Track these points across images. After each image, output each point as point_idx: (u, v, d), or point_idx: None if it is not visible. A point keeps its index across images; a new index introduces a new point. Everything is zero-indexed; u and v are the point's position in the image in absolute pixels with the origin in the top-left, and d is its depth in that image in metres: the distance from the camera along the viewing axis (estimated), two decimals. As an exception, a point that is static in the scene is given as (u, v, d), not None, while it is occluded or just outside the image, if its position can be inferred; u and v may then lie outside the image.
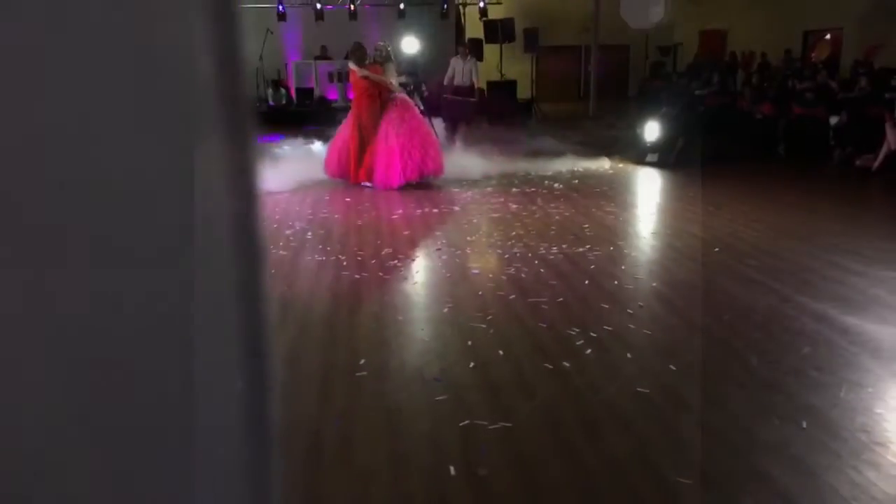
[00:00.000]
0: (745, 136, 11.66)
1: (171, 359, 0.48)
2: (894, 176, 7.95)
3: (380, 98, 7.97)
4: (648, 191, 8.10)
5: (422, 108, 11.13)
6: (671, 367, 3.24)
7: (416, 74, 11.69)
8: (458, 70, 11.61)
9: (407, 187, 7.76)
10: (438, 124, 10.34)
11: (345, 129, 8.20)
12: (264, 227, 0.51)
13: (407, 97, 8.25)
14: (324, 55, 17.52)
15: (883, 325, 3.70)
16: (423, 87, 11.80)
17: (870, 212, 6.66)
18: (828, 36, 14.76)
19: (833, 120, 9.92)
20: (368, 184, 7.93)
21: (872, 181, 8.18)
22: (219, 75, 0.46)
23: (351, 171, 8.06)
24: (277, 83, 16.72)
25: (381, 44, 8.17)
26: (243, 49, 0.49)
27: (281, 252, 5.39)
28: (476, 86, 12.15)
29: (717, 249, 5.27)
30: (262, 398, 0.56)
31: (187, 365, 0.48)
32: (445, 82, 11.51)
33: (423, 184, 7.95)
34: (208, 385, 0.50)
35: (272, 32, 16.84)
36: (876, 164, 8.42)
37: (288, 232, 6.05)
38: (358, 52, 8.20)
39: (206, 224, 0.48)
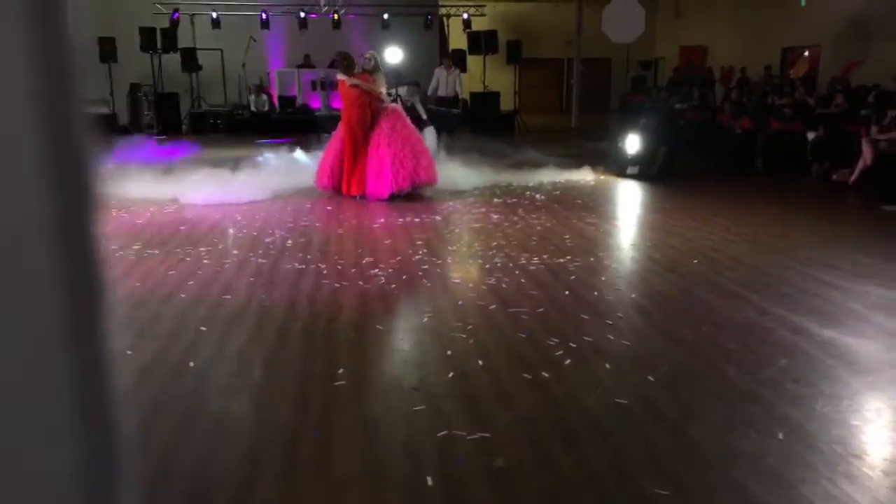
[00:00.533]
0: (724, 150, 11.80)
1: None
2: (870, 191, 8.07)
3: (370, 108, 7.90)
4: (629, 203, 8.15)
5: (424, 117, 11.18)
6: (649, 378, 3.25)
7: (418, 84, 11.74)
8: (442, 81, 11.66)
9: (393, 197, 7.71)
10: (432, 133, 10.33)
11: (335, 141, 8.12)
12: (100, 242, 0.42)
13: (398, 107, 8.19)
14: (307, 64, 17.50)
15: (860, 339, 3.74)
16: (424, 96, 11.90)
17: (847, 226, 6.75)
18: (806, 53, 15.00)
19: (810, 135, 10.06)
20: (359, 196, 7.83)
21: (849, 196, 8.29)
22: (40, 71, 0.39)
23: (343, 184, 7.98)
24: (260, 88, 16.65)
25: (371, 53, 8.14)
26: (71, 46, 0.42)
27: (260, 260, 5.35)
28: (460, 96, 12.20)
29: (695, 261, 5.30)
30: (105, 482, 0.43)
31: None
32: (429, 93, 11.53)
33: (410, 194, 7.90)
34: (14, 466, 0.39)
35: (255, 40, 16.80)
36: (852, 178, 8.55)
37: (268, 240, 6.01)
38: (346, 62, 8.13)
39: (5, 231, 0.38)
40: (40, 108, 0.38)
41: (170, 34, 16.15)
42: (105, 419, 0.42)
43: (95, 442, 0.42)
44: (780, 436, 2.70)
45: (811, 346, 3.63)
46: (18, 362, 0.39)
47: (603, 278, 4.93)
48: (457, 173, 8.89)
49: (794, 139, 10.40)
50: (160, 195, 7.73)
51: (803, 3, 14.73)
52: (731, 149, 11.63)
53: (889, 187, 7.61)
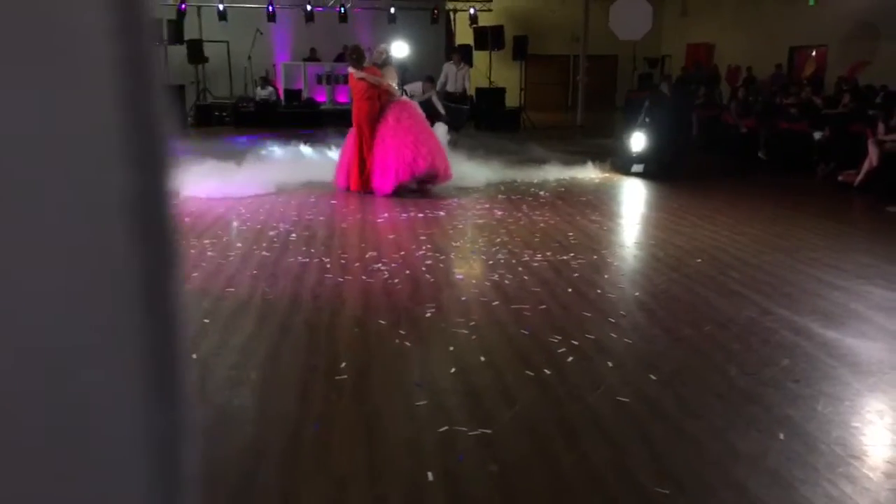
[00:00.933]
0: (729, 149, 11.77)
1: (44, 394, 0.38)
2: (875, 192, 8.04)
3: (379, 101, 7.88)
4: (633, 201, 8.14)
5: (442, 112, 11.21)
6: (651, 376, 3.25)
7: (433, 80, 11.77)
8: (451, 76, 11.62)
9: (399, 192, 7.66)
10: (443, 129, 10.34)
11: (350, 139, 8.09)
12: (175, 216, 0.43)
13: (408, 100, 8.12)
14: (313, 57, 17.49)
15: (861, 340, 3.74)
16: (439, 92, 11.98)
17: (851, 227, 6.73)
18: (813, 53, 14.94)
19: (817, 135, 10.03)
20: (365, 191, 7.80)
21: (854, 197, 8.27)
22: (120, 35, 0.40)
23: (353, 180, 7.94)
24: (266, 80, 16.65)
25: (382, 46, 8.12)
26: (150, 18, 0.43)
27: (264, 253, 5.36)
28: (468, 92, 12.18)
29: (699, 260, 5.29)
30: (173, 447, 0.46)
31: (62, 399, 0.39)
32: (438, 88, 11.50)
33: (416, 189, 7.86)
34: (97, 431, 0.41)
35: (261, 33, 16.80)
36: (858, 179, 8.52)
37: (272, 233, 6.02)
38: (355, 55, 8.11)
39: (88, 208, 0.39)
40: (122, 84, 0.40)
41: (176, 25, 16.16)
42: (175, 386, 0.45)
43: (166, 407, 0.44)
44: (781, 436, 2.71)
45: (813, 347, 3.63)
46: (101, 328, 0.41)
47: (606, 276, 4.93)
48: (465, 168, 8.89)
49: (801, 139, 10.37)
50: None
51: (812, 2, 14.67)
52: (737, 148, 11.61)
53: (894, 189, 7.59)
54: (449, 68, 11.88)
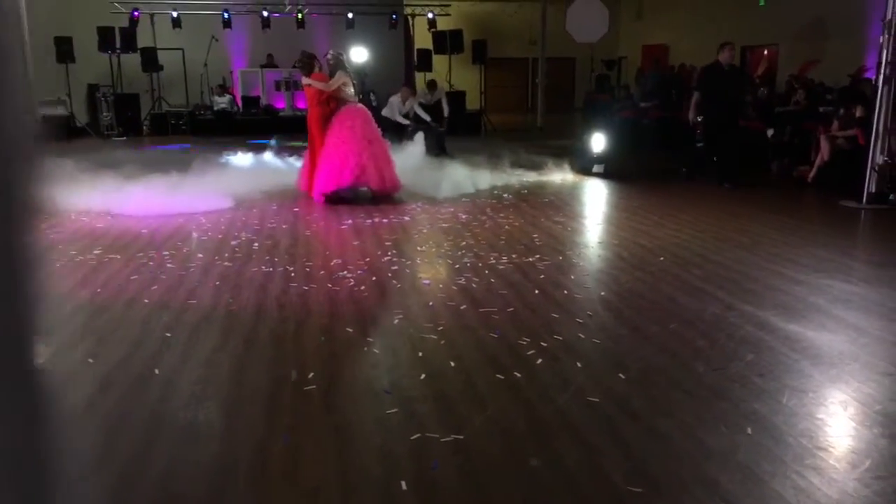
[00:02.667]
0: (687, 148, 11.94)
1: None
2: (829, 186, 8.25)
3: (328, 106, 7.87)
4: (596, 201, 8.21)
5: (427, 119, 11.23)
6: (620, 375, 3.27)
7: (409, 86, 11.97)
8: (396, 106, 11.50)
9: (333, 198, 7.57)
10: (421, 140, 10.35)
11: (308, 143, 8.12)
12: (37, 250, 0.40)
13: (359, 107, 8.03)
14: (270, 63, 17.31)
15: (822, 332, 3.81)
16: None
17: (808, 222, 6.88)
18: (765, 52, 15.29)
19: (770, 132, 10.26)
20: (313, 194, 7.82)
21: (809, 192, 8.47)
22: None
23: (306, 183, 8.00)
24: (223, 88, 16.42)
25: (331, 53, 8.06)
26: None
27: (226, 263, 5.26)
28: (446, 115, 12.28)
29: (662, 259, 5.36)
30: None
31: None
32: (384, 113, 11.34)
33: (368, 197, 7.84)
34: None
35: (217, 40, 16.56)
36: (811, 174, 8.73)
37: (234, 242, 5.92)
38: (300, 62, 8.19)
39: None
40: None
41: (129, 33, 15.84)
42: (26, 406, 0.40)
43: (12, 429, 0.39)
44: (749, 430, 2.74)
45: (776, 341, 3.69)
46: None
47: (572, 277, 4.95)
48: (426, 172, 8.87)
49: (755, 137, 10.59)
50: (90, 205, 7.10)
51: (762, 2, 15.02)
52: (695, 146, 11.79)
53: (846, 183, 7.79)
54: (395, 100, 11.72)
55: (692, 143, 9.56)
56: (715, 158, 9.01)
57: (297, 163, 9.38)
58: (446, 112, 12.35)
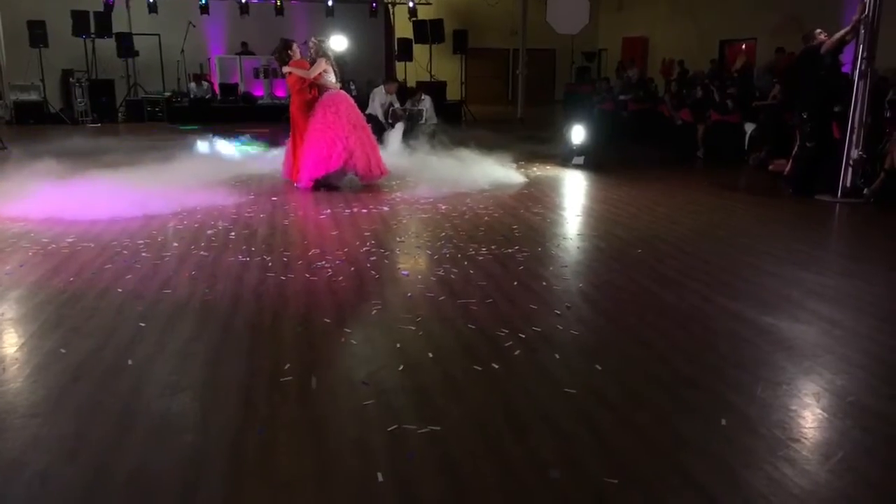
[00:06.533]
0: (666, 140, 12.04)
1: None
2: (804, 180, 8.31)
3: (310, 93, 7.84)
4: (575, 193, 8.23)
5: (424, 110, 11.17)
6: (597, 366, 3.28)
7: (397, 81, 11.90)
8: (380, 100, 11.44)
9: (319, 184, 7.56)
10: (399, 129, 10.32)
11: (291, 131, 8.09)
12: None
13: (342, 94, 7.97)
14: (245, 51, 17.10)
15: (795, 324, 3.86)
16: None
17: (783, 215, 6.95)
18: (743, 46, 15.40)
19: (748, 126, 10.34)
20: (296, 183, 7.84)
21: (784, 185, 8.54)
22: None
23: (290, 171, 8.00)
24: (200, 76, 16.21)
25: (312, 40, 7.98)
26: None
27: (202, 253, 5.20)
28: (423, 121, 12.24)
29: (639, 250, 5.38)
30: None
31: None
32: (370, 111, 11.25)
33: (347, 183, 7.82)
34: None
35: (194, 26, 16.34)
36: (787, 168, 8.81)
37: (210, 232, 5.85)
38: (277, 51, 8.14)
39: None
40: None
41: (104, 18, 15.57)
42: None
43: None
44: (723, 422, 2.76)
45: (750, 333, 3.72)
46: None
47: (550, 268, 4.96)
48: (404, 161, 8.83)
49: (733, 130, 10.68)
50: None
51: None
52: (673, 139, 11.89)
53: (821, 177, 7.87)
54: (377, 92, 11.63)
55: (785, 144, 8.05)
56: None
57: (274, 151, 9.32)
58: (426, 119, 12.09)
